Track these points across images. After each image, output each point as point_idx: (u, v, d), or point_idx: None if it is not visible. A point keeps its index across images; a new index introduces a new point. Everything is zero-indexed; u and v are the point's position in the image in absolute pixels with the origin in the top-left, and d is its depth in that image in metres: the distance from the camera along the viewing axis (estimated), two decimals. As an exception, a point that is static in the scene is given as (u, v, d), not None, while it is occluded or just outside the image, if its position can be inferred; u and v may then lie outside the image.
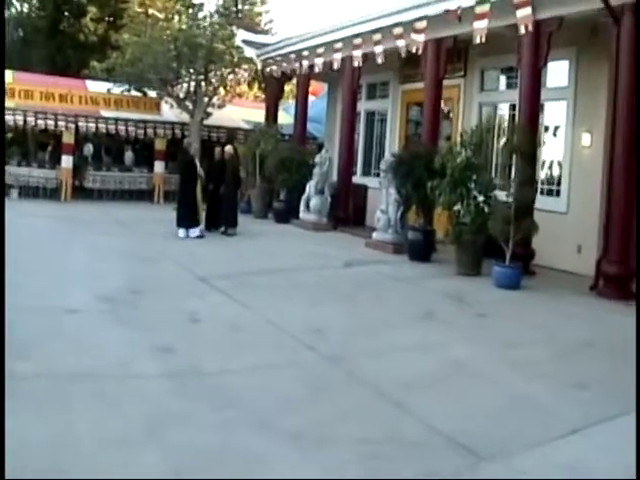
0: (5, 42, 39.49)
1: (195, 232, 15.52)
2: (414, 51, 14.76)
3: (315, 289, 10.87)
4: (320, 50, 18.61)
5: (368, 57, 16.83)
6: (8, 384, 5.61)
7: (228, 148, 17.03)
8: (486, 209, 12.21)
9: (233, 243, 15.36)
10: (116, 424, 5.20)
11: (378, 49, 15.92)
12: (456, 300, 10.39)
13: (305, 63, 19.63)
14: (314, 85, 24.76)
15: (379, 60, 16.01)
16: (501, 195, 12.03)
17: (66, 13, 36.91)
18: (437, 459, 4.98)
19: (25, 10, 39.97)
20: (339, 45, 17.72)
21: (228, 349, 7.36)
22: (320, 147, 22.55)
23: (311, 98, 24.06)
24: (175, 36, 22.10)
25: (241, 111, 26.29)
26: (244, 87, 30.80)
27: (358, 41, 16.79)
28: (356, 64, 17.29)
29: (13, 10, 40.59)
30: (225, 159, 16.76)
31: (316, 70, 19.15)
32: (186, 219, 15.53)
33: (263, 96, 34.74)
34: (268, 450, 4.93)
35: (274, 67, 21.52)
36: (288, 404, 5.87)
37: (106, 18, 36.40)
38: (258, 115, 25.29)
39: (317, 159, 18.53)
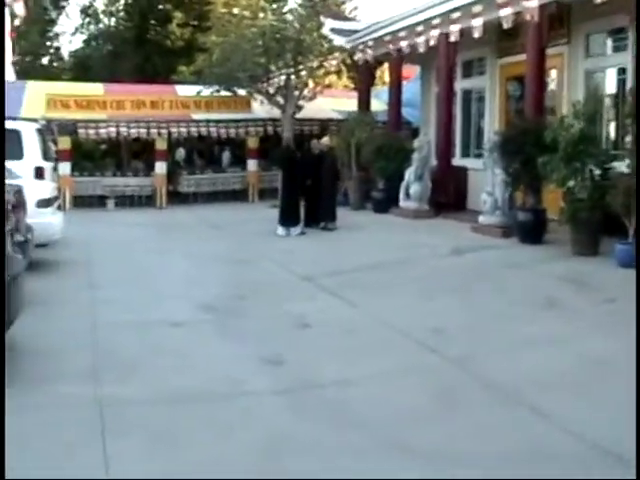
0: (93, 55, 40.31)
1: (297, 230, 15.06)
2: (528, 18, 13.71)
3: (425, 282, 10.22)
4: (416, 29, 17.79)
5: (464, 33, 15.97)
6: (111, 411, 5.23)
7: (324, 140, 16.51)
8: (603, 183, 11.30)
9: (334, 238, 14.84)
10: (230, 454, 4.69)
11: (477, 22, 15.04)
12: (578, 284, 9.57)
13: (398, 45, 18.90)
14: (405, 69, 24.08)
15: (476, 34, 15.14)
16: (619, 167, 11.11)
17: (152, 21, 37.21)
18: (596, 475, 4.30)
19: (113, 24, 40.53)
20: (437, 21, 16.83)
21: (343, 357, 6.79)
22: (415, 132, 21.81)
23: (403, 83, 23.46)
24: (262, 31, 21.67)
25: (332, 101, 25.69)
26: (333, 77, 30.30)
27: (456, 15, 15.88)
28: (453, 39, 16.41)
29: (101, 25, 41.28)
30: (322, 151, 16.24)
31: (407, 52, 18.42)
32: (288, 217, 15.07)
33: (352, 85, 34.39)
34: (404, 476, 4.34)
35: (365, 53, 20.85)
36: (416, 418, 5.28)
37: (191, 22, 36.46)
38: (349, 104, 24.65)
39: (415, 144, 17.81)
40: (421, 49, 17.92)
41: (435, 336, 7.41)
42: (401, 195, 17.90)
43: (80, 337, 7.28)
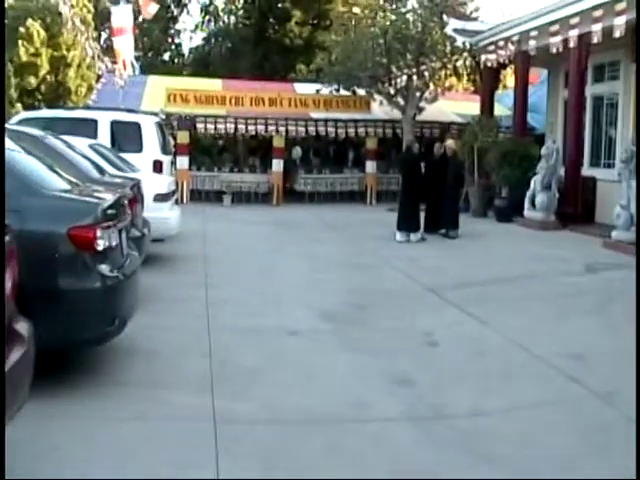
0: (213, 53, 40.63)
1: (417, 236, 14.43)
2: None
3: (559, 300, 9.41)
4: (550, 29, 16.83)
5: (601, 33, 14.95)
6: (225, 428, 4.78)
7: (450, 143, 15.87)
8: None
9: (456, 247, 14.15)
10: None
11: (619, 20, 13.97)
12: None
13: (527, 46, 18.00)
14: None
15: (617, 34, 14.10)
16: None
17: (271, 20, 37.16)
18: None
19: (232, 22, 40.77)
20: (575, 20, 15.80)
21: (475, 381, 6.15)
22: (538, 139, 20.85)
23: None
24: (384, 30, 21.14)
25: (453, 104, 24.98)
26: (453, 79, 29.58)
27: (598, 13, 14.82)
28: (595, 40, 15.32)
29: (221, 23, 41.59)
30: (446, 155, 15.58)
31: (535, 54, 17.49)
32: (407, 222, 14.45)
33: (472, 88, 33.51)
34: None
35: (489, 55, 20.03)
36: (557, 463, 4.60)
37: (310, 20, 36.24)
38: (470, 108, 23.88)
39: (543, 151, 16.92)
40: (553, 50, 16.97)
41: (575, 363, 6.68)
42: (526, 204, 17.09)
43: (194, 341, 6.90)
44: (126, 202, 6.25)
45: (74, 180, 6.09)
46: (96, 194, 5.96)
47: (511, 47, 18.87)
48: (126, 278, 5.53)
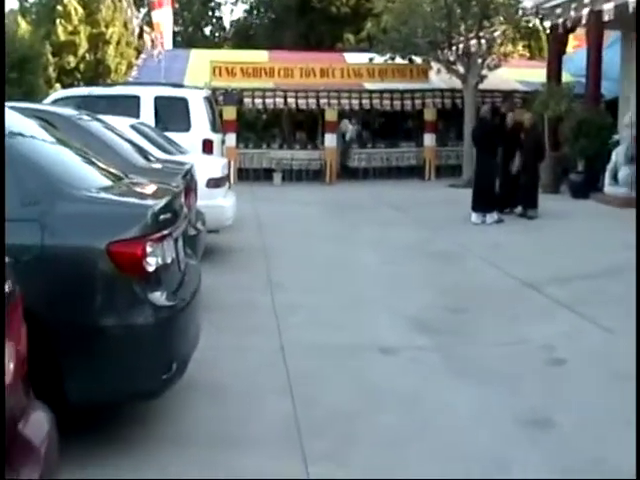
0: (255, 25, 39.21)
1: (493, 217, 12.96)
2: None
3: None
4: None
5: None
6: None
7: (528, 115, 14.34)
8: None
9: (539, 229, 12.62)
10: None
11: None
12: None
13: (602, 6, 16.31)
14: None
15: None
16: None
17: (316, -13, 35.59)
18: None
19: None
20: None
21: (625, 417, 4.71)
22: (610, 106, 19.16)
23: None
24: (446, -9, 19.54)
25: (513, 72, 23.23)
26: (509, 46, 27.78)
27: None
28: None
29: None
30: (524, 126, 14.06)
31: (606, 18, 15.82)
32: (484, 201, 12.98)
33: (527, 54, 31.61)
34: None
35: (560, 17, 18.32)
36: None
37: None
38: (531, 75, 22.28)
39: (626, 120, 15.36)
40: (630, 9, 15.27)
41: None
42: (607, 180, 15.58)
43: (267, 368, 5.55)
44: (182, 199, 4.87)
45: (114, 172, 4.71)
46: (143, 191, 4.58)
47: (582, 8, 17.18)
48: (186, 305, 4.17)
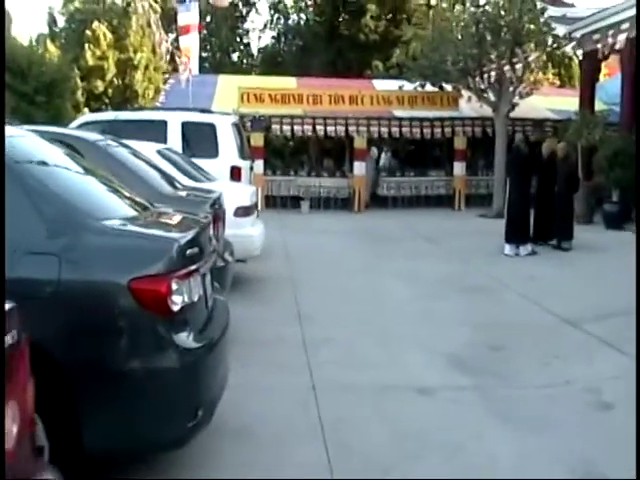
0: (283, 51, 39.24)
1: (527, 249, 12.59)
2: None
3: None
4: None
5: None
6: None
7: (562, 145, 14.01)
8: None
9: (574, 261, 12.22)
10: None
11: None
12: None
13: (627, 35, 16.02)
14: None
15: None
16: None
17: (345, 15, 35.47)
18: None
19: (302, 19, 39.34)
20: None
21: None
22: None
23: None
24: (476, 19, 19.23)
25: (544, 100, 22.89)
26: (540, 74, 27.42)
27: None
28: None
29: (290, 21, 40.25)
30: (557, 156, 13.72)
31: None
32: (518, 232, 12.60)
33: (557, 82, 31.27)
34: None
35: (595, 44, 18.00)
36: None
37: (386, 14, 34.37)
38: (562, 103, 22.04)
39: (661, 149, 14.89)
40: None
41: None
42: (642, 210, 15.10)
43: (298, 409, 5.22)
44: (211, 231, 4.57)
45: (139, 201, 4.42)
46: (170, 222, 4.28)
47: (613, 35, 16.86)
48: (214, 346, 3.85)
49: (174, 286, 3.47)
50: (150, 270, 3.46)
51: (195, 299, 3.71)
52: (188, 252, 3.71)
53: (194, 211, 5.12)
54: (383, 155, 22.69)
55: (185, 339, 3.58)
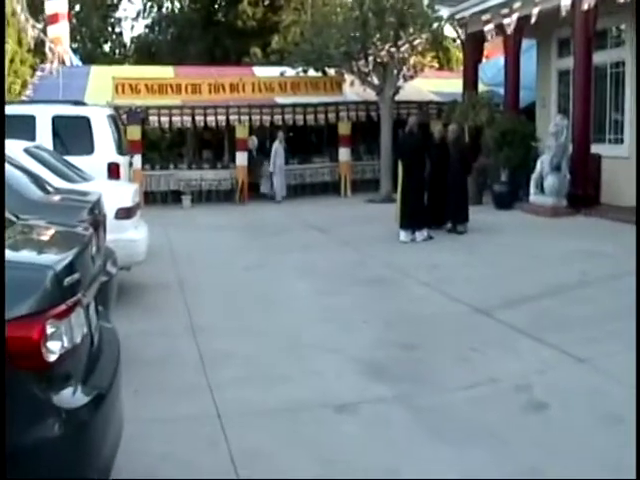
0: (157, 41, 38.01)
1: (423, 234, 12.25)
2: None
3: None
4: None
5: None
6: None
7: (453, 127, 13.77)
8: None
9: (472, 245, 11.95)
10: None
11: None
12: None
13: (519, 14, 15.93)
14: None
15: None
16: None
17: (221, 2, 34.60)
18: None
19: (177, 7, 38.16)
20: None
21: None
22: (527, 114, 18.83)
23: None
24: (361, 1, 18.81)
25: (427, 82, 22.77)
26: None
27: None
28: (586, 7, 13.56)
29: (164, 10, 39.03)
30: (448, 139, 13.46)
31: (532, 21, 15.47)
32: (413, 218, 12.24)
33: (435, 65, 31.39)
34: None
35: (484, 25, 17.85)
36: None
37: (263, 1, 33.61)
38: (444, 85, 21.95)
39: (551, 128, 14.93)
40: (564, 13, 14.87)
41: None
42: (532, 189, 15.21)
43: (204, 447, 4.52)
44: (94, 248, 3.80)
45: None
46: (41, 240, 3.48)
47: (499, 16, 16.76)
48: (104, 397, 3.06)
49: (49, 329, 2.71)
50: (15, 311, 2.66)
51: (78, 341, 2.94)
52: (67, 281, 2.93)
53: (71, 220, 4.37)
54: (276, 144, 21.75)
55: (68, 397, 2.83)
